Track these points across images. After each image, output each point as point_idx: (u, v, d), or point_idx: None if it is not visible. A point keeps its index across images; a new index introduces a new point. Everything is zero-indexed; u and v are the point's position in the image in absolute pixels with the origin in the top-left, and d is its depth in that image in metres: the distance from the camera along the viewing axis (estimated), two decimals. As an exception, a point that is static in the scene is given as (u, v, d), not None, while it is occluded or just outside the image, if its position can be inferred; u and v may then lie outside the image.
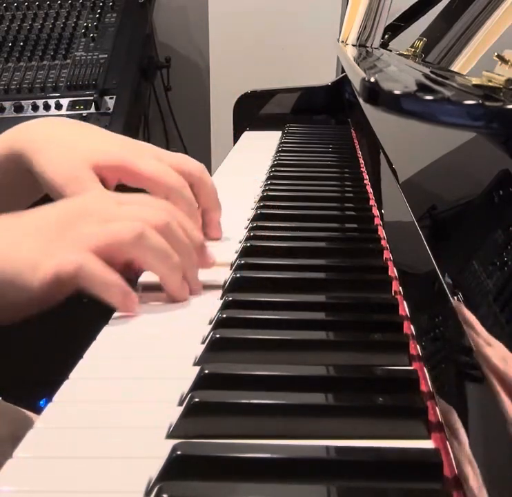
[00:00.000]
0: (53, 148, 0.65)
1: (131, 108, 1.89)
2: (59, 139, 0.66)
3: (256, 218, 0.76)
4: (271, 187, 0.90)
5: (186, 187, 0.65)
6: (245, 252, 0.65)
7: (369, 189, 0.89)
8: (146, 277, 0.61)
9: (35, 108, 1.85)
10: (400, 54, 1.04)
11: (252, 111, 1.44)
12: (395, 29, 1.36)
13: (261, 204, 0.81)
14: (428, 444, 0.39)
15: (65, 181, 0.62)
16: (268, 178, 0.96)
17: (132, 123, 1.95)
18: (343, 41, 1.41)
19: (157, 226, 0.54)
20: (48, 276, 0.50)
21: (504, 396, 0.30)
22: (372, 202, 0.84)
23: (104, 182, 0.64)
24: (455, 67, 0.78)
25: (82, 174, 0.63)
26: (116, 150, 0.65)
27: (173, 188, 0.64)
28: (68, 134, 0.67)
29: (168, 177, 0.64)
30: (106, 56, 1.93)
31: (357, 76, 0.66)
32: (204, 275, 0.61)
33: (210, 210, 0.70)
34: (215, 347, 0.48)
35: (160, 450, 0.37)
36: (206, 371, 0.44)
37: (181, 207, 0.62)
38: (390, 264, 0.63)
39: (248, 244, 0.67)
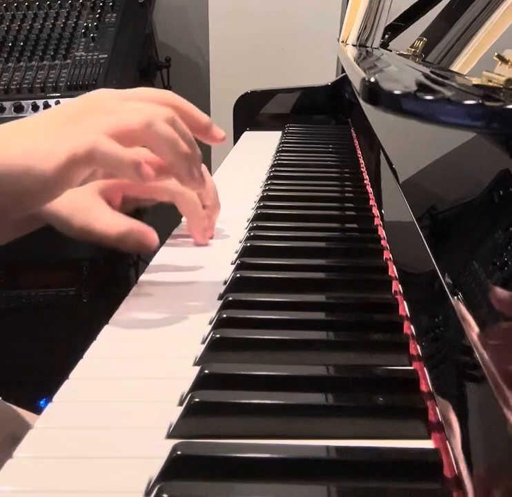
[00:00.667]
0: None
1: (131, 108, 1.89)
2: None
3: (256, 218, 0.76)
4: (271, 187, 0.90)
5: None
6: (245, 252, 0.65)
7: (369, 189, 0.89)
8: (146, 277, 0.61)
9: (35, 108, 1.85)
10: (400, 54, 1.04)
11: (252, 111, 1.44)
12: (395, 29, 1.36)
13: (261, 204, 0.81)
14: (428, 444, 0.39)
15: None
16: (268, 178, 0.96)
17: (132, 123, 1.95)
18: (343, 41, 1.41)
19: (164, 118, 0.55)
20: (62, 160, 0.51)
21: (503, 396, 0.30)
22: (372, 202, 0.84)
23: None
24: (455, 67, 0.78)
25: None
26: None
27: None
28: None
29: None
30: (106, 56, 1.93)
31: (357, 76, 0.66)
32: (204, 274, 0.61)
33: (209, 210, 0.71)
34: (215, 347, 0.48)
35: (160, 450, 0.37)
36: (206, 371, 0.44)
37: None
38: (390, 264, 0.63)
39: (248, 244, 0.67)
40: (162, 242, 0.66)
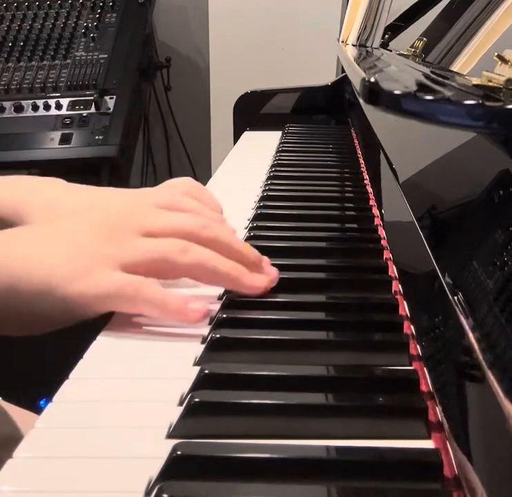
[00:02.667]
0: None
1: (131, 108, 1.89)
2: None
3: (256, 218, 0.76)
4: (271, 187, 0.90)
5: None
6: (245, 252, 0.65)
7: (369, 189, 0.89)
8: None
9: (35, 108, 1.85)
10: (400, 54, 1.04)
11: (252, 111, 1.44)
12: (395, 29, 1.36)
13: (261, 204, 0.81)
14: (428, 444, 0.39)
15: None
16: (268, 178, 0.96)
17: (132, 123, 1.95)
18: (343, 41, 1.41)
19: (204, 238, 0.53)
20: (100, 291, 0.48)
21: (503, 396, 0.30)
22: (372, 202, 0.84)
23: None
24: (455, 67, 0.78)
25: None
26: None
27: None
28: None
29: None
30: (106, 56, 1.93)
31: (357, 76, 0.66)
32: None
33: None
34: (215, 347, 0.48)
35: (160, 450, 0.37)
36: (206, 371, 0.44)
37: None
38: (390, 264, 0.63)
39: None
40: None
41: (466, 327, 0.37)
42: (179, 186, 0.65)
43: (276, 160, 1.06)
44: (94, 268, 0.49)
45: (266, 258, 0.56)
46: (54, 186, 0.64)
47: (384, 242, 0.68)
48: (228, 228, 0.62)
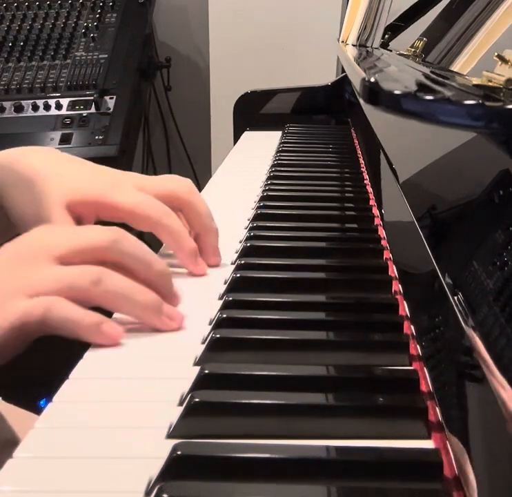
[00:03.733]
0: (25, 184, 0.61)
1: (131, 108, 1.89)
2: (33, 175, 0.61)
3: (256, 218, 0.76)
4: (271, 187, 0.90)
5: (169, 214, 0.60)
6: (245, 252, 0.65)
7: (369, 189, 0.89)
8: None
9: (35, 108, 1.85)
10: (400, 54, 1.04)
11: (252, 111, 1.44)
12: (395, 29, 1.36)
13: (261, 204, 0.81)
14: (428, 444, 0.39)
15: (35, 221, 0.59)
16: (268, 178, 0.96)
17: (132, 123, 1.95)
18: (343, 41, 1.41)
19: (110, 245, 0.51)
20: (11, 323, 0.46)
21: (504, 396, 0.30)
22: (372, 202, 0.84)
23: (81, 220, 0.60)
24: (455, 67, 0.78)
25: (53, 214, 0.59)
26: (91, 185, 0.61)
27: (153, 219, 0.59)
28: (44, 168, 0.62)
29: (147, 207, 0.59)
30: (106, 56, 1.93)
31: (357, 76, 0.66)
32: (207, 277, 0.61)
33: (202, 234, 0.64)
34: (215, 347, 0.48)
35: (160, 450, 0.37)
36: (206, 371, 0.44)
37: (165, 237, 0.60)
38: (390, 264, 0.63)
39: (248, 244, 0.67)
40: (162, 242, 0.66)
41: (466, 327, 0.37)
42: (169, 185, 0.64)
43: (276, 160, 1.06)
44: (3, 302, 0.47)
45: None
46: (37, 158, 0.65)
47: (384, 242, 0.68)
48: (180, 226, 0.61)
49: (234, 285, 0.58)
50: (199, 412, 0.40)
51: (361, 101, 0.77)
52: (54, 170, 0.63)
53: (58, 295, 0.48)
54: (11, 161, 0.63)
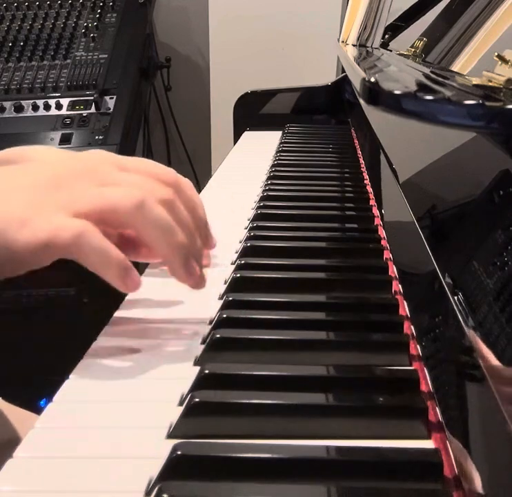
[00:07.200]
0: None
1: (131, 108, 1.89)
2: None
3: (256, 218, 0.76)
4: (271, 187, 0.90)
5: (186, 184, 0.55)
6: (245, 252, 0.65)
7: (369, 189, 0.89)
8: (146, 276, 0.61)
9: (35, 108, 1.85)
10: (400, 54, 1.04)
11: (253, 111, 1.44)
12: (395, 29, 1.36)
13: (261, 204, 0.81)
14: (428, 444, 0.39)
15: None
16: (268, 178, 0.96)
17: (132, 123, 1.95)
18: (343, 41, 1.41)
19: (161, 200, 0.49)
20: (39, 238, 0.45)
21: (504, 396, 0.30)
22: (372, 202, 0.84)
23: None
24: (455, 67, 0.78)
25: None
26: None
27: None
28: None
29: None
30: (106, 56, 1.93)
31: (357, 76, 0.66)
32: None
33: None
34: (215, 347, 0.48)
35: (160, 450, 0.37)
36: (206, 371, 0.44)
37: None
38: (390, 264, 0.63)
39: (248, 244, 0.67)
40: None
41: (466, 327, 0.37)
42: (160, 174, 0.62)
43: (276, 160, 1.06)
44: (41, 214, 0.46)
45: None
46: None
47: (383, 242, 0.68)
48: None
49: (234, 285, 0.58)
50: (199, 412, 0.40)
51: (361, 101, 0.77)
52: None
53: (100, 213, 0.47)
54: (14, 158, 0.63)
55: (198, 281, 0.51)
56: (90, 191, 0.48)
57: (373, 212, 0.79)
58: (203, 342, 0.49)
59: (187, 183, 0.55)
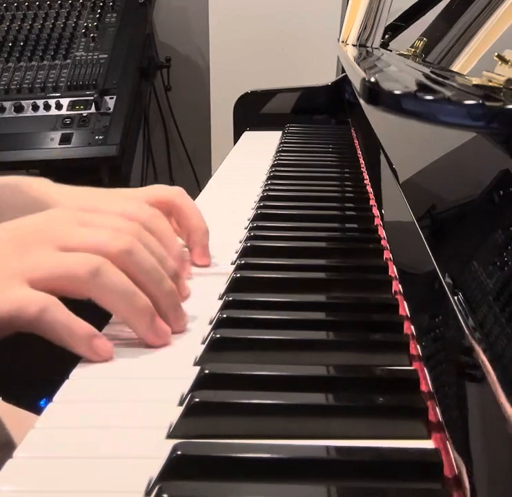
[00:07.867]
0: (39, 207, 0.58)
1: (131, 108, 1.89)
2: (47, 198, 0.60)
3: (256, 218, 0.76)
4: (271, 187, 0.90)
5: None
6: (245, 252, 0.65)
7: (369, 189, 0.89)
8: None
9: (35, 108, 1.85)
10: (400, 54, 1.04)
11: (253, 111, 1.44)
12: (395, 29, 1.36)
13: (261, 204, 0.81)
14: (428, 444, 0.39)
15: None
16: (268, 178, 0.96)
17: (132, 123, 1.95)
18: (343, 41, 1.41)
19: (119, 254, 0.48)
20: (2, 311, 0.44)
21: (503, 396, 0.30)
22: (372, 202, 0.84)
23: None
24: (455, 67, 0.78)
25: None
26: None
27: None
28: (56, 192, 0.62)
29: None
30: (106, 56, 1.94)
31: (357, 76, 0.66)
32: (204, 274, 0.60)
33: (192, 234, 0.64)
34: (215, 347, 0.48)
35: (160, 450, 0.37)
36: (206, 371, 0.44)
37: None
38: (390, 264, 0.63)
39: (248, 244, 0.67)
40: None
41: (466, 327, 0.37)
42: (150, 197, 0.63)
43: (276, 160, 1.06)
44: (1, 285, 0.45)
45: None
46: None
47: (383, 242, 0.68)
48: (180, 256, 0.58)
49: (234, 285, 0.58)
50: (199, 412, 0.40)
51: (361, 101, 0.77)
52: (67, 194, 0.62)
53: (54, 281, 0.46)
54: (19, 185, 0.62)
55: (166, 341, 0.50)
56: (48, 258, 0.47)
57: (373, 212, 0.79)
58: (203, 342, 0.49)
59: (158, 218, 0.56)
